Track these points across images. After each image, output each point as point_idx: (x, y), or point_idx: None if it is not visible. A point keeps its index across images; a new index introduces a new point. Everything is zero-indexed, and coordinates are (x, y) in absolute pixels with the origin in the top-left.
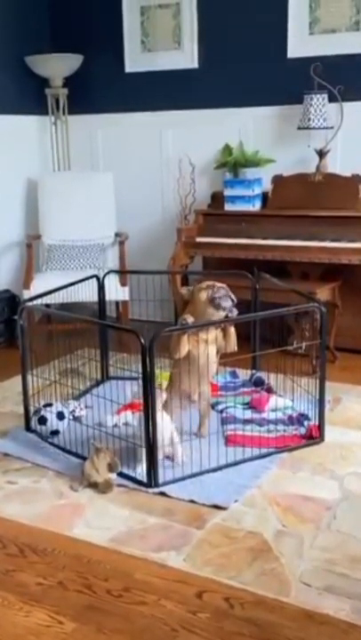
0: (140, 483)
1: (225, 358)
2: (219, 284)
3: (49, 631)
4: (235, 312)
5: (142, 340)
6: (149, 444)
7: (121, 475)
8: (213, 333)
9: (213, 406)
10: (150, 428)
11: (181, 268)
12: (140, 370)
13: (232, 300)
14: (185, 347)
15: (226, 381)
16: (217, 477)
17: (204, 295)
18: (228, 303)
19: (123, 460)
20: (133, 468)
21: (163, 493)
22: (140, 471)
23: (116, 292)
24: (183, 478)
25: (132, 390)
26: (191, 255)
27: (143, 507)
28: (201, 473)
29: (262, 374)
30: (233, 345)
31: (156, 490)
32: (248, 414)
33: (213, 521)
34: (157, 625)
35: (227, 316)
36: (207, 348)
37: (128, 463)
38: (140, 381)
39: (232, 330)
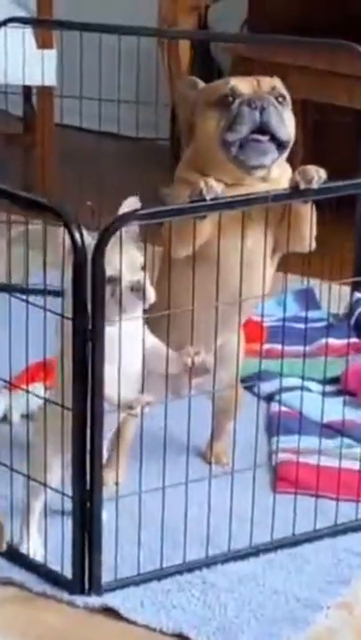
0: (52, 578)
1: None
2: (264, 84)
3: None
4: (320, 176)
5: (75, 234)
6: (82, 470)
7: (9, 555)
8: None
9: (250, 384)
10: (89, 439)
11: (188, 23)
12: (71, 290)
13: (278, 144)
14: (201, 234)
15: (285, 317)
16: (244, 577)
17: (211, 120)
18: (264, 157)
19: (14, 519)
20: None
21: (109, 611)
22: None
23: (24, 64)
24: (165, 574)
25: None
26: None
27: None
28: (208, 562)
29: None
30: (307, 238)
31: (93, 601)
32: (334, 409)
33: None
34: None
35: (296, 188)
36: (248, 237)
37: (22, 526)
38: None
39: (306, 209)
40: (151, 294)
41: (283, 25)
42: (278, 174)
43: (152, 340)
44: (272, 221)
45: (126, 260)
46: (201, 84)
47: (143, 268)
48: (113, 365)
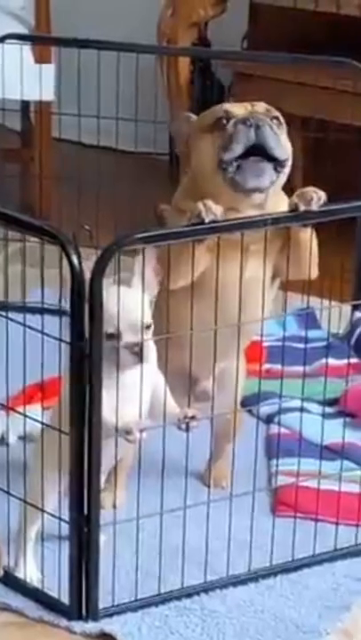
0: (49, 604)
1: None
2: (259, 107)
3: None
4: (319, 197)
5: (73, 258)
6: (79, 494)
7: (7, 580)
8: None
9: (250, 407)
10: (86, 463)
11: (188, 38)
12: (69, 313)
13: (275, 164)
14: (200, 264)
15: (285, 336)
16: (243, 603)
17: (206, 143)
18: (261, 178)
19: (12, 542)
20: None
21: (107, 637)
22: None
23: (22, 78)
24: (163, 600)
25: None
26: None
27: None
28: (207, 587)
29: None
30: (306, 267)
31: (90, 626)
32: (334, 432)
33: None
34: None
35: (296, 209)
36: (247, 268)
37: (18, 551)
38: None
39: (306, 235)
40: (151, 356)
41: (284, 40)
42: (275, 202)
43: (158, 393)
44: (271, 252)
45: (131, 319)
46: (194, 117)
47: (148, 327)
48: (112, 390)
